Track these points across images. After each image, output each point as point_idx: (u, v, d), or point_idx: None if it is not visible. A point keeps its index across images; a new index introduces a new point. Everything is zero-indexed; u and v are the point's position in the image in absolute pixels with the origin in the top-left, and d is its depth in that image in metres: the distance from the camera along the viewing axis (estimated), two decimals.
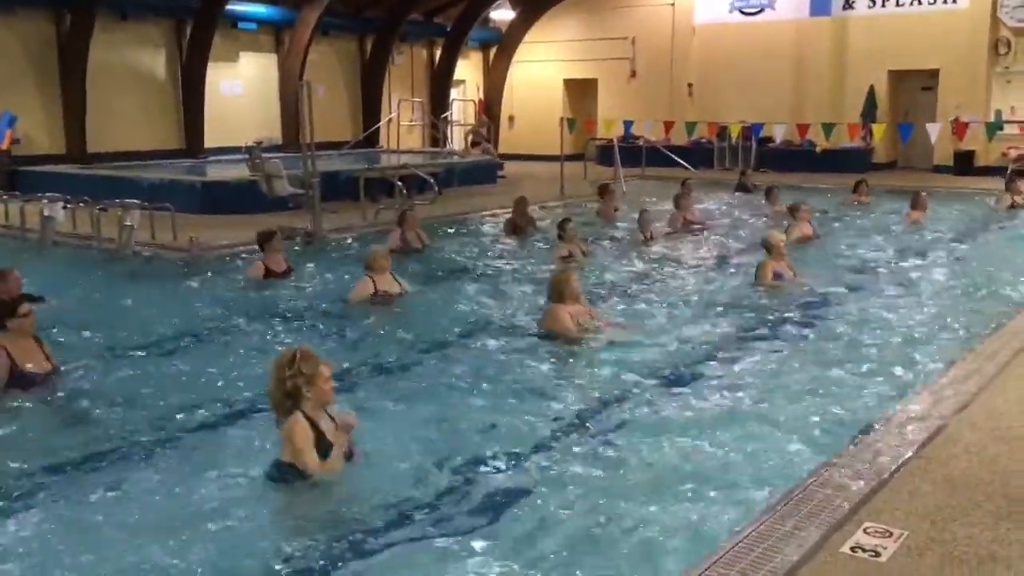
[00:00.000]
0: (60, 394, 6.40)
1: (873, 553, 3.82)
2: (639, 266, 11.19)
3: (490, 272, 11.02)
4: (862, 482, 4.51)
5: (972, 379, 6.10)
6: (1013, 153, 21.23)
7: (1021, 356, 6.63)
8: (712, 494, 4.81)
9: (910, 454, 4.85)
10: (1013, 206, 15.30)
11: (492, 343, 7.71)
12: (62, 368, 6.70)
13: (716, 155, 23.89)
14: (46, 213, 12.43)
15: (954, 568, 3.70)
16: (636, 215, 13.05)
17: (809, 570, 3.71)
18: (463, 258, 11.95)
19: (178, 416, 6.08)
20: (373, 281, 8.88)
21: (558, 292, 7.67)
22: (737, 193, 18.03)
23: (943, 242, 12.38)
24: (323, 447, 4.81)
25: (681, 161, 22.35)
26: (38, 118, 19.04)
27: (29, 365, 6.38)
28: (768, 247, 9.66)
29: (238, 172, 16.38)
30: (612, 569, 4.14)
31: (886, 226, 13.75)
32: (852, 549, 3.86)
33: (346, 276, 10.48)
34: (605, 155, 22.75)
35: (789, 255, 9.81)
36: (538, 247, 12.46)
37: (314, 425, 4.83)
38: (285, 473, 4.79)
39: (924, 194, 14.43)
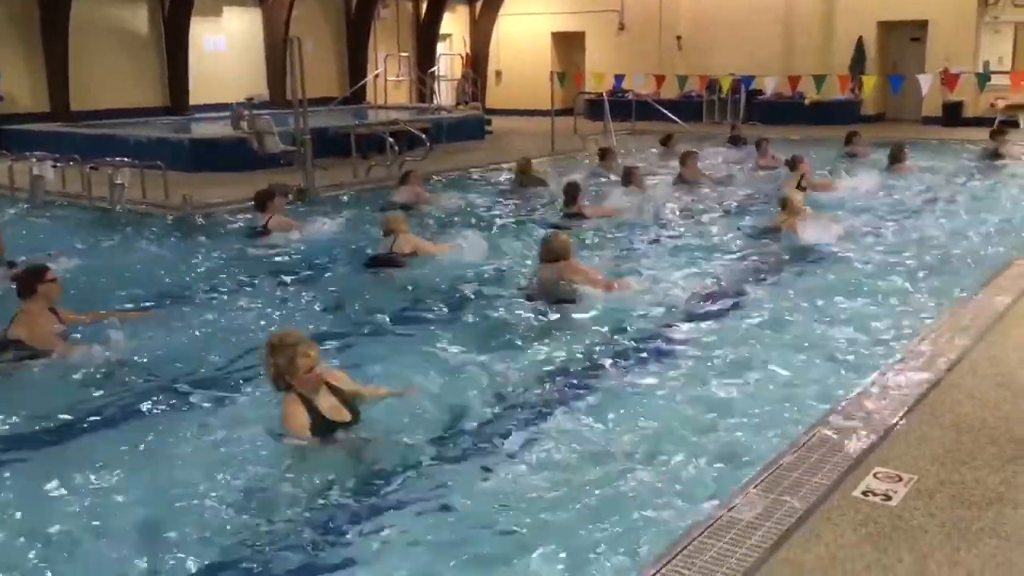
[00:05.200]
0: (63, 356, 6.33)
1: (884, 497, 3.90)
2: (645, 221, 11.13)
3: (488, 228, 10.99)
4: (870, 429, 4.58)
5: (971, 327, 6.17)
6: (1001, 104, 21.28)
7: (1018, 304, 6.71)
8: (719, 444, 4.86)
9: (915, 401, 4.93)
10: (998, 155, 15.34)
11: (491, 301, 7.67)
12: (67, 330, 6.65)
13: (705, 108, 23.83)
14: (36, 172, 12.34)
15: (964, 510, 3.78)
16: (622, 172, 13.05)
17: (823, 514, 3.78)
18: (459, 214, 11.90)
19: (178, 376, 6.04)
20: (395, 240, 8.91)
21: (550, 252, 7.58)
22: (729, 146, 17.99)
23: (937, 193, 12.44)
24: (322, 427, 4.75)
25: (671, 115, 22.23)
26: (20, 76, 18.79)
27: (50, 333, 6.38)
28: (784, 204, 9.77)
29: (227, 129, 16.25)
30: (621, 518, 4.17)
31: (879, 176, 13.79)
32: (863, 493, 3.94)
33: (344, 232, 10.52)
34: (594, 109, 22.64)
35: (802, 211, 9.89)
36: (537, 203, 12.43)
37: (310, 405, 4.77)
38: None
39: (905, 147, 14.49)
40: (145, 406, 5.60)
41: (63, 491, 4.50)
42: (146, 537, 4.09)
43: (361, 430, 4.91)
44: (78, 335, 6.69)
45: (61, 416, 5.47)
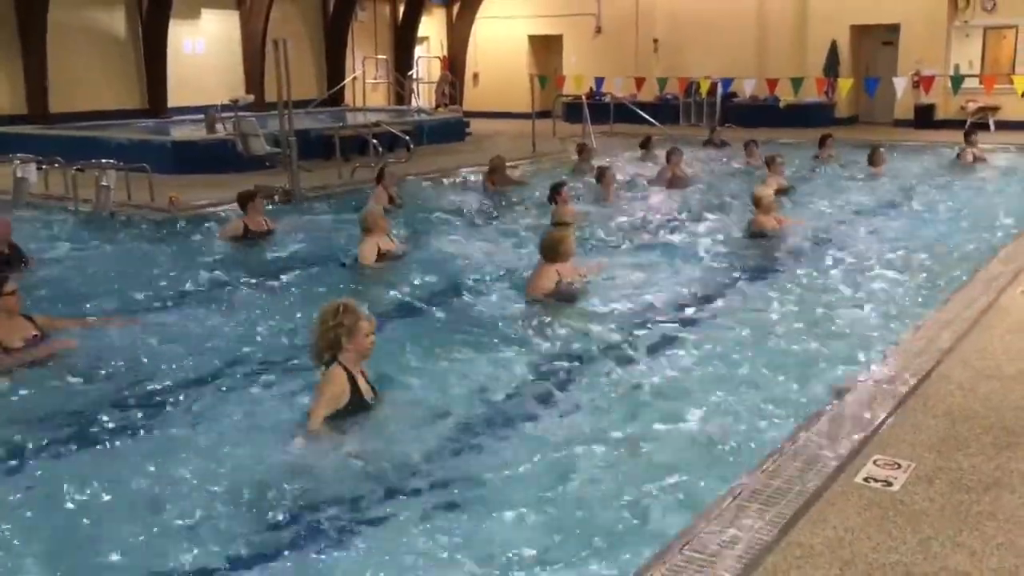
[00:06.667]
0: (48, 364, 6.22)
1: (885, 483, 4.04)
2: (628, 221, 11.25)
3: (471, 230, 11.06)
4: (866, 419, 4.73)
5: (956, 321, 6.35)
6: (972, 107, 21.67)
7: (1000, 299, 6.91)
8: (716, 439, 4.96)
9: (907, 392, 5.09)
10: (973, 159, 15.65)
11: (477, 300, 7.75)
12: (50, 337, 6.50)
13: (682, 111, 24.07)
14: (19, 174, 12.24)
15: (963, 494, 3.92)
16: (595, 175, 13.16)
17: (827, 500, 3.91)
18: (443, 216, 11.96)
19: (170, 378, 6.03)
20: (376, 243, 8.87)
21: (551, 251, 7.64)
22: (707, 149, 18.18)
23: (913, 193, 12.69)
24: (355, 405, 4.94)
25: (648, 117, 22.42)
26: None
27: (16, 343, 6.24)
28: (757, 201, 9.91)
29: (210, 132, 16.25)
30: (624, 509, 4.26)
31: (855, 178, 14.04)
32: (865, 480, 4.08)
33: (329, 234, 10.55)
34: (572, 112, 22.79)
35: (776, 207, 10.07)
36: (516, 204, 12.52)
37: (352, 381, 4.95)
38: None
39: (882, 149, 14.77)
40: (132, 410, 5.56)
41: (53, 495, 4.49)
42: (141, 540, 4.11)
43: (379, 412, 5.10)
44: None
45: (45, 423, 5.38)
